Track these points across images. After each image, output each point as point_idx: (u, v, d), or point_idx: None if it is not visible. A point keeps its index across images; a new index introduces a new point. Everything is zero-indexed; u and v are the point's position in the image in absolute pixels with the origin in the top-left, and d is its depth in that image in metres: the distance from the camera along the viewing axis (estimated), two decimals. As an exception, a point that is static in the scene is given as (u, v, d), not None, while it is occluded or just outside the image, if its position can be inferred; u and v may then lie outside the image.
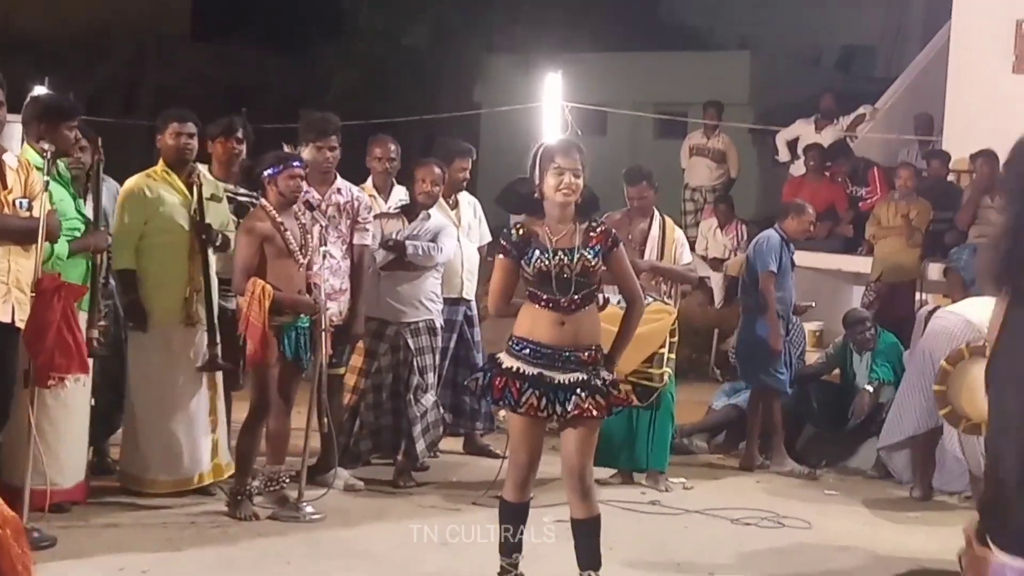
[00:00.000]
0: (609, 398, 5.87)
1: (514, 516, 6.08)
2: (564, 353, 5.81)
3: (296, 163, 7.53)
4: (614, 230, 6.03)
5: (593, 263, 5.84)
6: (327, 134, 8.16)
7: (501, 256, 5.94)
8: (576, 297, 5.82)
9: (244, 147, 8.35)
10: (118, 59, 22.65)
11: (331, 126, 8.23)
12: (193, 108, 8.14)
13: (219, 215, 7.90)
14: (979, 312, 7.42)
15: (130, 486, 7.80)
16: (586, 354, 5.83)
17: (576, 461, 5.88)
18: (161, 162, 7.83)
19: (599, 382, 5.83)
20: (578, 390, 5.79)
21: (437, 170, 8.47)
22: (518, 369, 5.83)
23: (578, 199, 5.88)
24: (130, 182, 7.82)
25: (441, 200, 8.92)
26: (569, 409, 5.78)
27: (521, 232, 5.90)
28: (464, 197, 9.25)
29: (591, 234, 5.88)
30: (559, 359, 5.81)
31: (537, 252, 5.83)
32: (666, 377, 8.59)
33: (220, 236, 7.77)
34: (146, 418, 7.78)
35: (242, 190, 8.18)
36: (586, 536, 5.98)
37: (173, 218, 7.70)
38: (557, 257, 5.82)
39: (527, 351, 5.84)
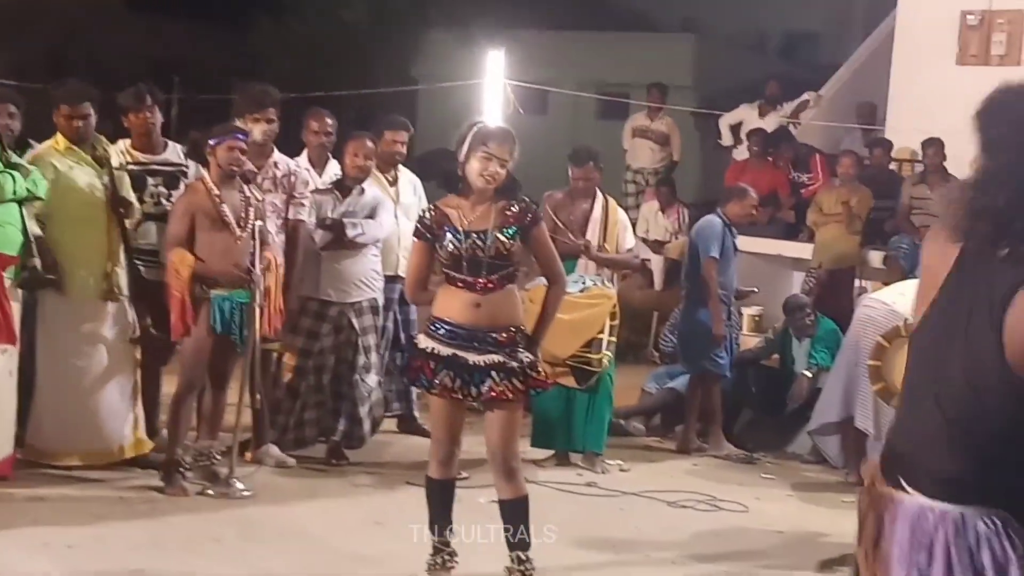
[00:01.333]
0: (527, 380, 5.81)
1: (440, 493, 6.08)
2: (480, 334, 5.76)
3: (239, 135, 7.42)
4: (535, 208, 5.96)
5: (508, 244, 5.78)
6: (264, 106, 8.05)
7: (416, 239, 5.97)
8: (491, 278, 5.77)
9: (159, 117, 8.17)
10: (48, 30, 22.23)
11: (268, 99, 8.12)
12: (125, 82, 7.98)
13: (124, 184, 7.73)
14: (905, 299, 7.42)
15: (35, 459, 7.59)
16: (503, 335, 5.77)
17: (497, 443, 5.86)
18: (60, 136, 7.62)
19: (515, 364, 5.77)
20: (493, 372, 5.75)
21: (369, 144, 8.38)
22: (433, 350, 5.81)
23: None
24: (38, 150, 7.63)
25: (380, 176, 8.82)
26: (483, 391, 5.75)
27: (434, 214, 5.89)
28: (405, 175, 9.14)
29: (507, 213, 5.82)
30: (475, 340, 5.76)
31: (449, 235, 5.80)
32: (605, 361, 8.55)
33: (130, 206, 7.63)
34: (54, 391, 7.58)
35: (171, 159, 8.03)
36: (513, 517, 5.95)
37: (84, 191, 7.52)
38: (469, 240, 5.78)
39: (443, 331, 5.81)
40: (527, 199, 5.99)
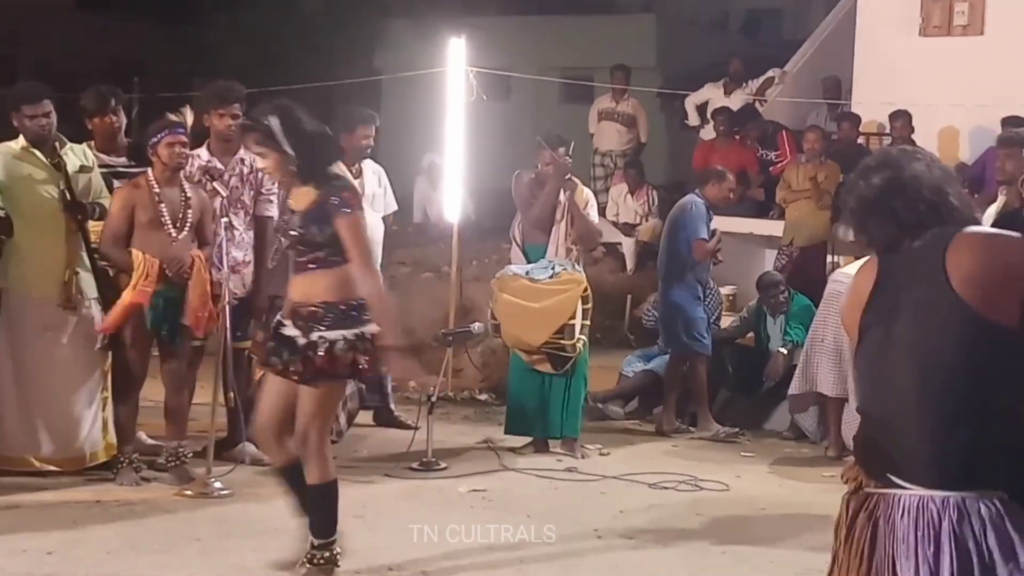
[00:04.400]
0: (307, 364, 5.63)
1: (283, 478, 5.97)
2: (293, 310, 5.72)
3: (179, 130, 7.34)
4: (340, 198, 5.71)
5: (308, 230, 5.68)
6: (228, 101, 7.96)
7: None
8: (302, 258, 5.75)
9: (123, 119, 8.08)
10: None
11: (233, 93, 8.04)
12: (76, 82, 7.86)
13: (90, 186, 7.62)
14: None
15: (2, 465, 7.48)
16: (306, 311, 5.68)
17: (299, 423, 5.73)
18: (21, 139, 7.50)
19: (304, 342, 5.63)
20: (286, 349, 5.67)
21: None
22: (276, 323, 5.82)
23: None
24: None
25: (344, 168, 8.75)
26: (275, 364, 5.71)
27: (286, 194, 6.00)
28: (368, 165, 9.06)
29: (313, 199, 5.71)
30: (291, 315, 5.72)
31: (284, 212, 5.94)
32: (579, 346, 8.51)
33: (96, 208, 7.52)
34: (19, 397, 7.48)
35: (128, 162, 7.95)
36: (313, 501, 5.83)
37: (42, 195, 7.41)
38: (286, 218, 5.85)
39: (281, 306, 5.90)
40: (337, 184, 5.80)
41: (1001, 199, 7.45)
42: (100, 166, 7.79)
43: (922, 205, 3.24)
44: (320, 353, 5.61)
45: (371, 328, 5.62)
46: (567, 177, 8.79)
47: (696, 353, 9.60)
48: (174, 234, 7.33)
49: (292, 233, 5.73)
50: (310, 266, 5.71)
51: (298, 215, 5.71)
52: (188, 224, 7.38)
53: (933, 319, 3.12)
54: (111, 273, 7.59)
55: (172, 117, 7.50)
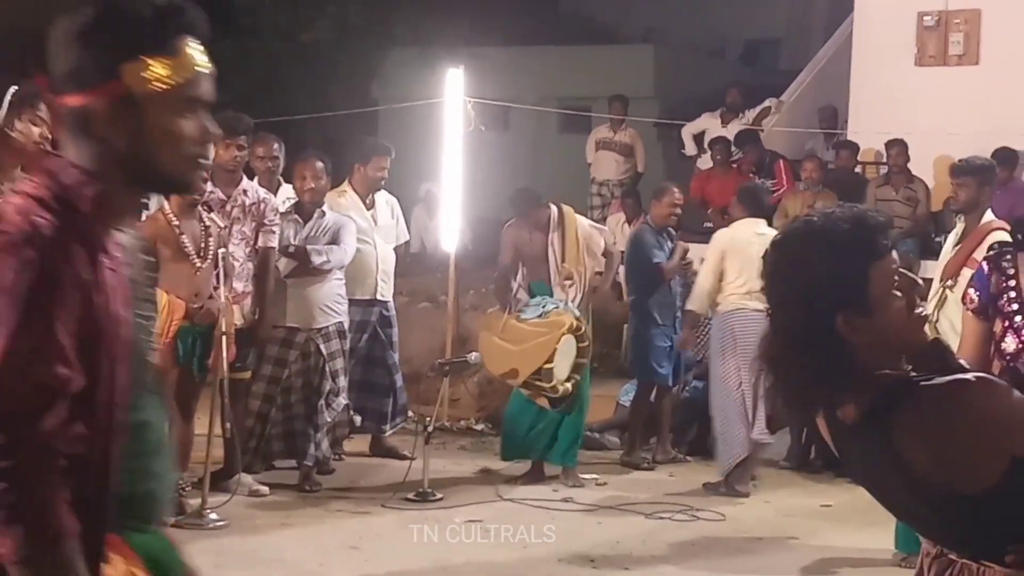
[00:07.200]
0: None
1: None
2: None
3: None
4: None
5: None
6: (235, 133, 7.99)
7: None
8: None
9: None
10: (7, 64, 22.01)
11: (241, 125, 8.09)
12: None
13: None
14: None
15: None
16: None
17: None
18: None
19: None
20: None
21: (318, 164, 8.37)
22: None
23: None
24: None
25: (358, 200, 8.85)
26: None
27: None
28: (381, 196, 9.13)
29: None
30: None
31: None
32: (561, 388, 8.47)
33: None
34: None
35: None
36: None
37: None
38: None
39: None
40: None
41: (960, 226, 7.54)
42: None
43: None
44: None
45: None
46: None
47: (653, 382, 9.59)
48: (198, 263, 7.35)
49: None
50: None
51: None
52: (211, 253, 7.40)
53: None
54: None
55: None
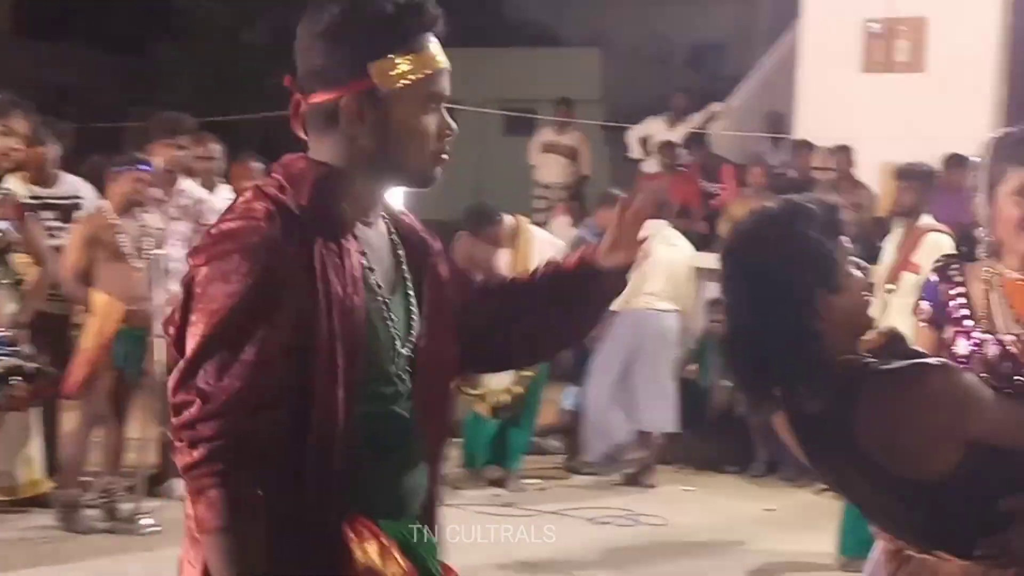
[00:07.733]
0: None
1: None
2: None
3: (145, 167, 7.33)
4: None
5: None
6: (176, 133, 8.00)
7: None
8: None
9: (52, 148, 7.90)
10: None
11: (182, 126, 8.08)
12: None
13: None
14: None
15: None
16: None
17: None
18: None
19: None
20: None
21: (255, 165, 8.39)
22: None
23: None
24: None
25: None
26: None
27: None
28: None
29: None
30: None
31: None
32: (496, 398, 8.44)
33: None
34: None
35: (60, 194, 7.82)
36: None
37: None
38: None
39: None
40: None
41: (899, 230, 7.53)
42: (31, 198, 7.64)
43: None
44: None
45: None
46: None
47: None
48: (137, 264, 7.24)
49: None
50: None
51: None
52: (148, 253, 7.29)
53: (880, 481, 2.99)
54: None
55: (146, 150, 7.65)
